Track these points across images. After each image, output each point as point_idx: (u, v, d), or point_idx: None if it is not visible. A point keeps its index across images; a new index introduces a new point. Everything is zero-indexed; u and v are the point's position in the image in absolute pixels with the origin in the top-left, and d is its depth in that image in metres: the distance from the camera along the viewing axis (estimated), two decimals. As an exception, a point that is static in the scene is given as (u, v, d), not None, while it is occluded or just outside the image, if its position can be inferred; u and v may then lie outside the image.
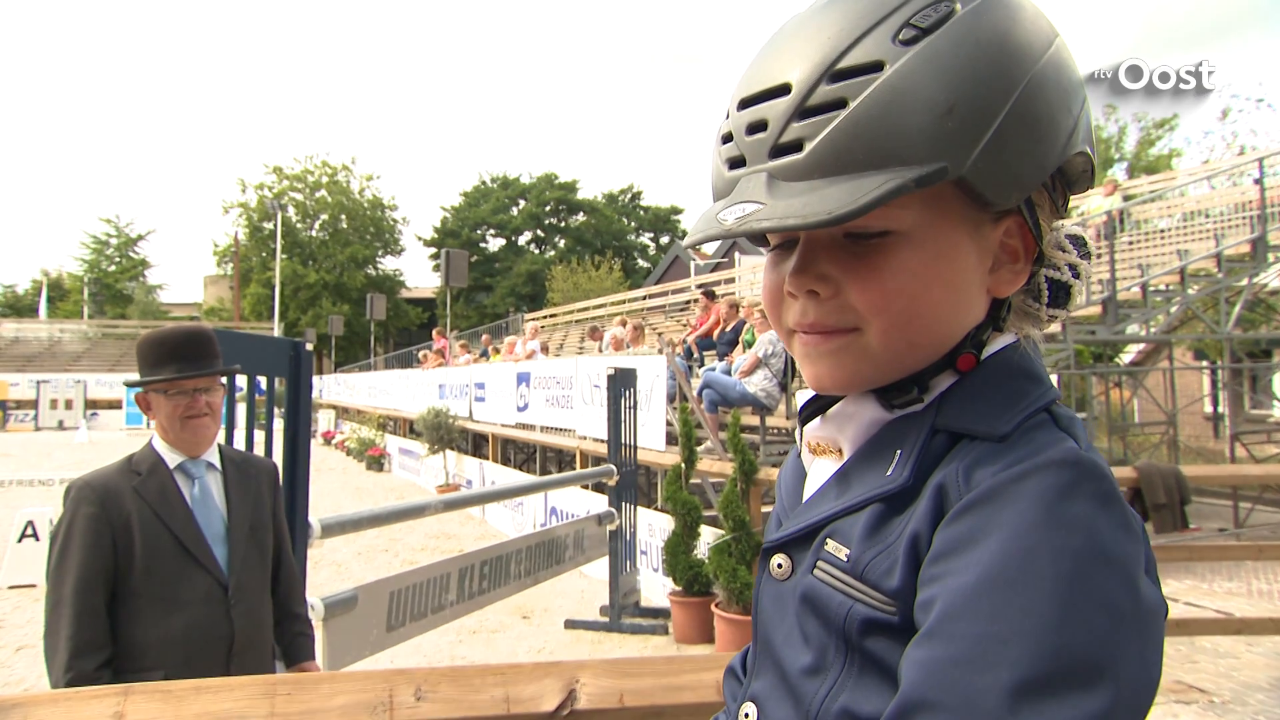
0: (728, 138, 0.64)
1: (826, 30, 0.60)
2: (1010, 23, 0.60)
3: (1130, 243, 12.50)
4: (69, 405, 28.73)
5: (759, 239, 0.70)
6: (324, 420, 24.40)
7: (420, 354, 18.97)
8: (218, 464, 2.07)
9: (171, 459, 2.00)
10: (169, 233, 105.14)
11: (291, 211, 43.52)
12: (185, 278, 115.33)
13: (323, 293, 42.50)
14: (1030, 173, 0.61)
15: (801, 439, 0.73)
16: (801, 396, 0.73)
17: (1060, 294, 0.69)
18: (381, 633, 3.48)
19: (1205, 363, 15.75)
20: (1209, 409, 15.41)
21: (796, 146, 0.59)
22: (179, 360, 1.97)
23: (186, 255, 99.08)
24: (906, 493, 0.60)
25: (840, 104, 0.58)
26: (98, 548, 1.83)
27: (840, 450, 0.69)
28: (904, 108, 0.57)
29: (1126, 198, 13.48)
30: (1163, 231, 12.86)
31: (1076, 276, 0.69)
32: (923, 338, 0.63)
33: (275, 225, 36.05)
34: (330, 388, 27.26)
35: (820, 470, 0.72)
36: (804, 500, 0.71)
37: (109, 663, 1.80)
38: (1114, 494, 0.54)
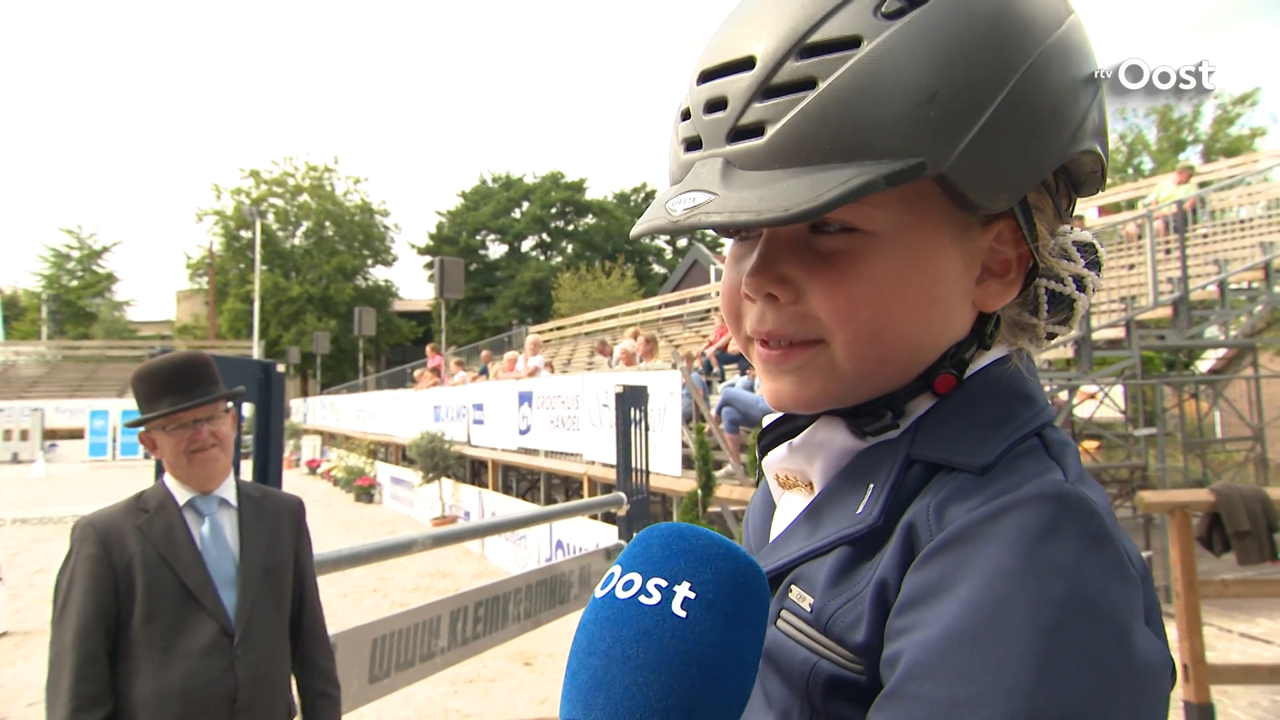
0: (686, 114, 0.63)
1: None
2: None
3: (1205, 235, 12.38)
4: (24, 436, 28.83)
5: (721, 229, 0.65)
6: (308, 448, 24.56)
7: (414, 373, 19.09)
8: (232, 500, 2.10)
9: (181, 495, 2.04)
10: (137, 244, 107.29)
11: (271, 219, 44.10)
12: (155, 293, 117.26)
13: (307, 307, 42.93)
14: (1024, 172, 0.59)
15: (767, 470, 0.72)
16: (767, 420, 0.72)
17: (1063, 308, 0.68)
18: (363, 684, 3.49)
19: (1297, 370, 15.53)
20: (1302, 422, 15.17)
21: (757, 130, 0.57)
22: (174, 392, 2.01)
23: (156, 269, 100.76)
24: (876, 533, 0.58)
25: (809, 84, 0.56)
26: (97, 591, 1.87)
27: (810, 484, 0.67)
28: (880, 91, 0.55)
29: (1202, 185, 13.35)
30: (1243, 222, 12.72)
31: (1082, 289, 0.67)
32: (894, 353, 0.61)
33: (254, 234, 36.52)
34: (315, 411, 27.46)
35: (789, 506, 0.70)
36: (771, 540, 0.69)
37: (111, 719, 1.83)
38: (1103, 533, 0.52)
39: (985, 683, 0.46)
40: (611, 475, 7.82)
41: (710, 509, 6.10)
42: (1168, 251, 10.74)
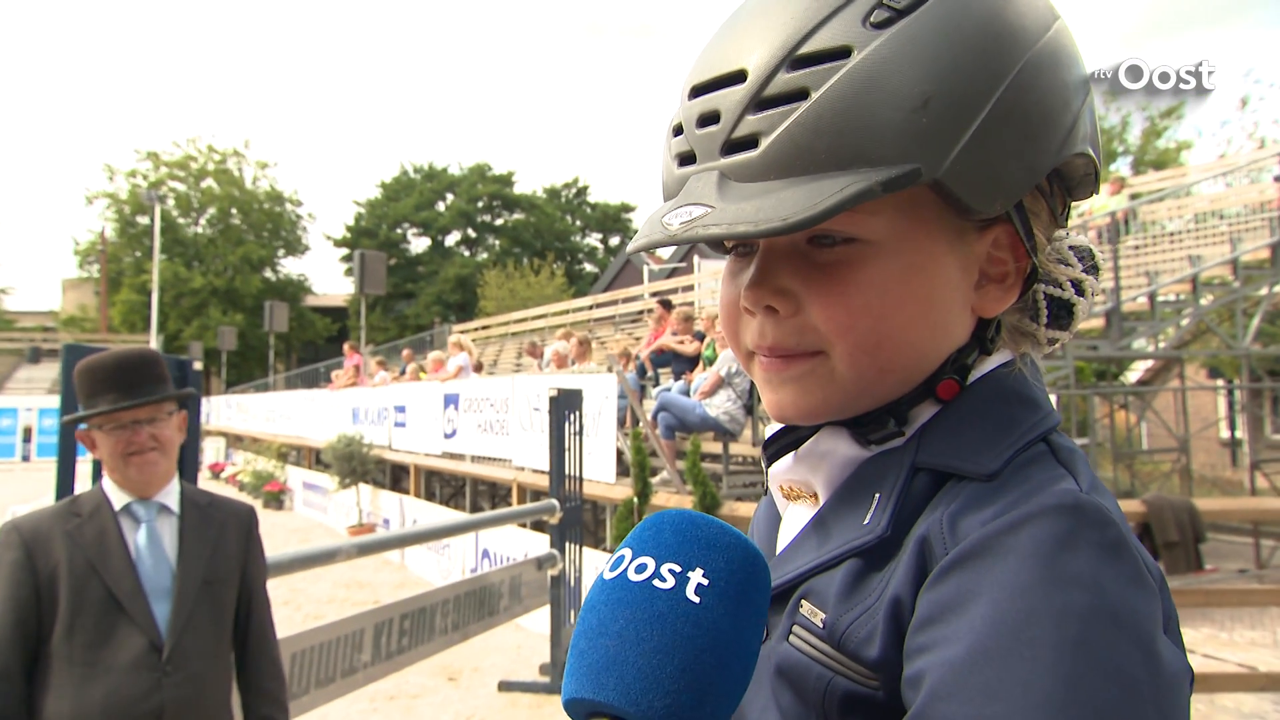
0: (679, 130, 0.65)
1: (789, 9, 0.61)
2: (1000, 4, 0.61)
3: (1137, 247, 12.88)
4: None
5: (717, 245, 0.69)
6: (211, 451, 23.85)
7: (329, 372, 18.68)
8: (174, 506, 2.06)
9: (118, 500, 1.99)
10: (17, 228, 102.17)
11: (171, 204, 42.65)
12: (38, 281, 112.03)
13: (211, 300, 41.65)
14: (1018, 176, 0.61)
15: (772, 481, 0.74)
16: (769, 430, 0.74)
17: (1062, 313, 0.70)
18: (280, 700, 3.44)
19: (1221, 381, 16.34)
20: (1225, 434, 15.95)
21: (751, 142, 0.59)
22: (115, 389, 1.96)
23: (39, 255, 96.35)
24: (886, 544, 0.60)
25: (801, 95, 0.58)
26: (16, 600, 1.81)
27: (815, 494, 0.69)
28: (872, 100, 0.57)
29: (1133, 196, 13.89)
30: (1172, 234, 13.25)
31: (1081, 294, 0.70)
32: (895, 362, 0.63)
33: (152, 220, 35.26)
34: (220, 411, 26.65)
35: (795, 517, 0.72)
36: (778, 552, 0.71)
37: None
38: (1122, 542, 0.53)
39: (1014, 699, 0.47)
40: (541, 482, 7.82)
41: (646, 516, 6.16)
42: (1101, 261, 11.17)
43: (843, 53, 0.58)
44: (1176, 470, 11.12)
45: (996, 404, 0.65)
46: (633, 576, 0.52)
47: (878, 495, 0.63)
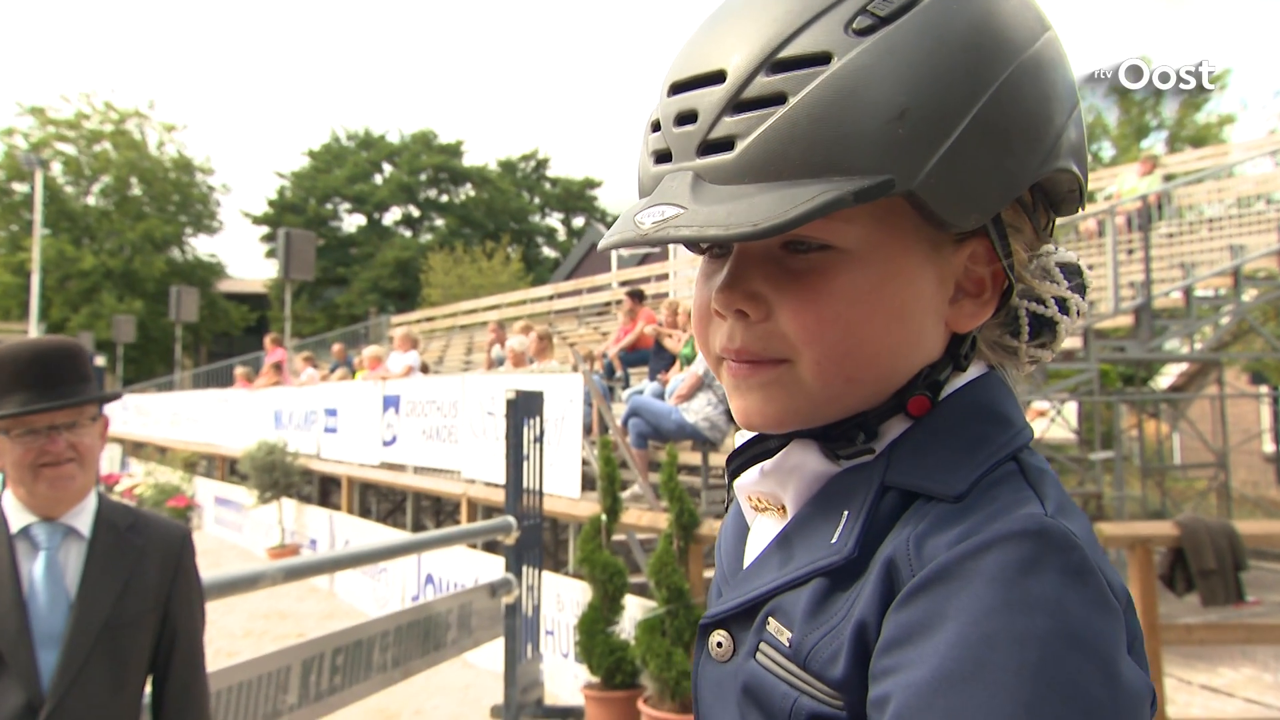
0: (656, 125, 0.73)
1: (771, 11, 0.68)
2: (985, 14, 0.68)
3: (1171, 235, 12.96)
4: None
5: (692, 245, 0.78)
6: (104, 460, 23.54)
7: (237, 369, 18.52)
8: (85, 530, 1.98)
9: (17, 520, 1.92)
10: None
11: (58, 170, 41.90)
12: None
13: (104, 283, 40.99)
14: (995, 191, 0.69)
15: (739, 493, 0.82)
16: (739, 439, 0.81)
17: (1045, 330, 0.78)
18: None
19: (1264, 388, 16.64)
20: (1269, 447, 16.22)
21: (727, 145, 0.67)
22: (28, 387, 1.89)
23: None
24: (853, 564, 0.68)
25: (779, 99, 0.65)
26: None
27: (783, 507, 0.77)
28: (849, 109, 0.64)
29: (1167, 177, 13.94)
30: (1211, 221, 13.32)
31: (1065, 312, 0.78)
32: (863, 373, 0.71)
33: (33, 188, 34.65)
34: (115, 414, 26.32)
35: (762, 529, 0.80)
36: (744, 566, 0.79)
37: None
38: (1085, 565, 0.61)
39: None
40: (495, 496, 7.81)
41: (615, 537, 6.18)
42: (1130, 252, 11.21)
43: (822, 58, 0.65)
44: (1214, 488, 11.30)
45: (967, 421, 0.72)
46: None
47: (846, 513, 0.70)
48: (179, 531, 2.13)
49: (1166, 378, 17.50)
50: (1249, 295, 10.98)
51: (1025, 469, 0.70)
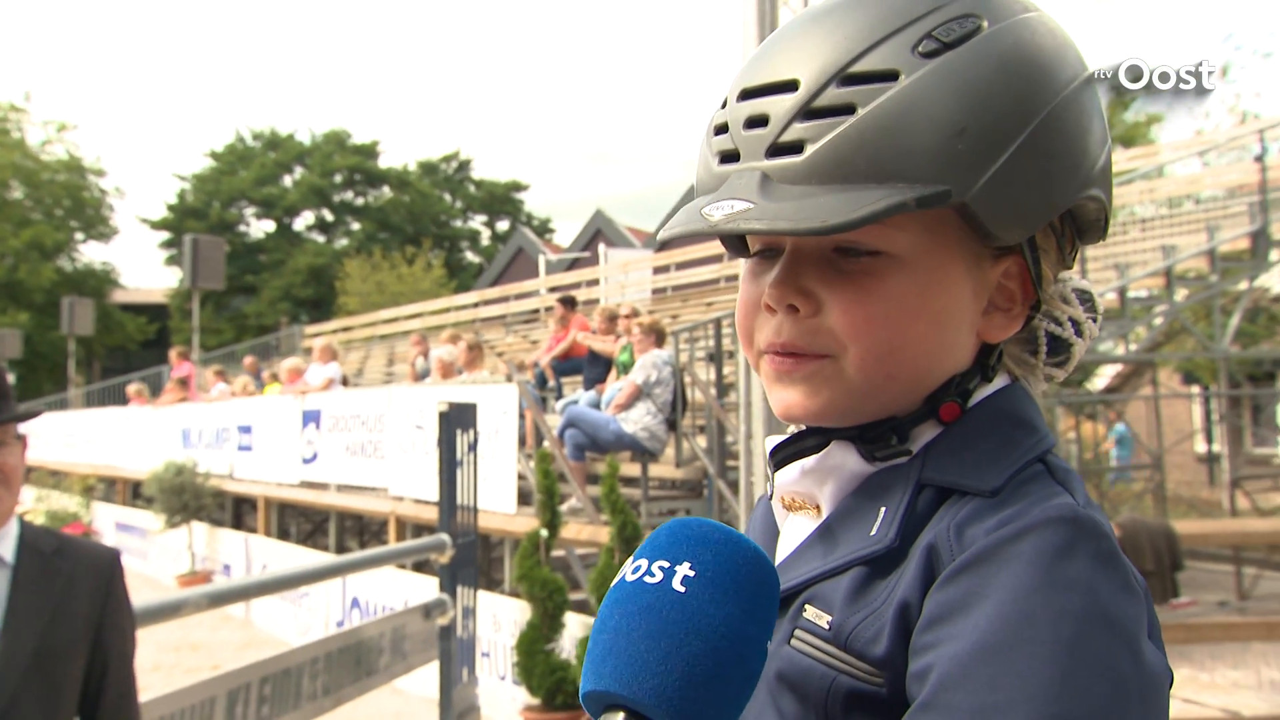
0: (722, 129, 0.81)
1: (843, 29, 0.77)
2: (1036, 49, 0.78)
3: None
4: None
5: (736, 246, 0.89)
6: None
7: (130, 388, 18.11)
8: (9, 556, 1.95)
9: None
10: None
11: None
12: None
13: (-13, 295, 39.73)
14: (1038, 209, 0.78)
15: (774, 489, 0.89)
16: (770, 442, 0.89)
17: (1060, 350, 0.87)
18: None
19: (1197, 388, 17.19)
20: (1202, 447, 16.74)
21: (796, 148, 0.75)
22: None
23: None
24: (893, 553, 0.75)
25: (848, 109, 0.74)
26: None
27: (818, 506, 0.85)
28: (914, 123, 0.73)
29: (1100, 177, 14.43)
30: (1143, 221, 13.58)
31: (1079, 335, 0.87)
32: (902, 372, 0.79)
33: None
34: None
35: (795, 528, 0.88)
36: (779, 561, 0.85)
37: None
38: (1114, 553, 0.69)
39: (1014, 689, 0.62)
40: (425, 514, 7.76)
41: (555, 553, 6.19)
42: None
43: (891, 75, 0.74)
44: (1150, 489, 11.63)
45: (997, 426, 0.81)
46: (628, 578, 0.67)
47: (884, 508, 0.78)
48: (108, 555, 2.12)
49: (1102, 379, 18.00)
50: (1181, 295, 11.33)
51: (1053, 469, 0.78)
